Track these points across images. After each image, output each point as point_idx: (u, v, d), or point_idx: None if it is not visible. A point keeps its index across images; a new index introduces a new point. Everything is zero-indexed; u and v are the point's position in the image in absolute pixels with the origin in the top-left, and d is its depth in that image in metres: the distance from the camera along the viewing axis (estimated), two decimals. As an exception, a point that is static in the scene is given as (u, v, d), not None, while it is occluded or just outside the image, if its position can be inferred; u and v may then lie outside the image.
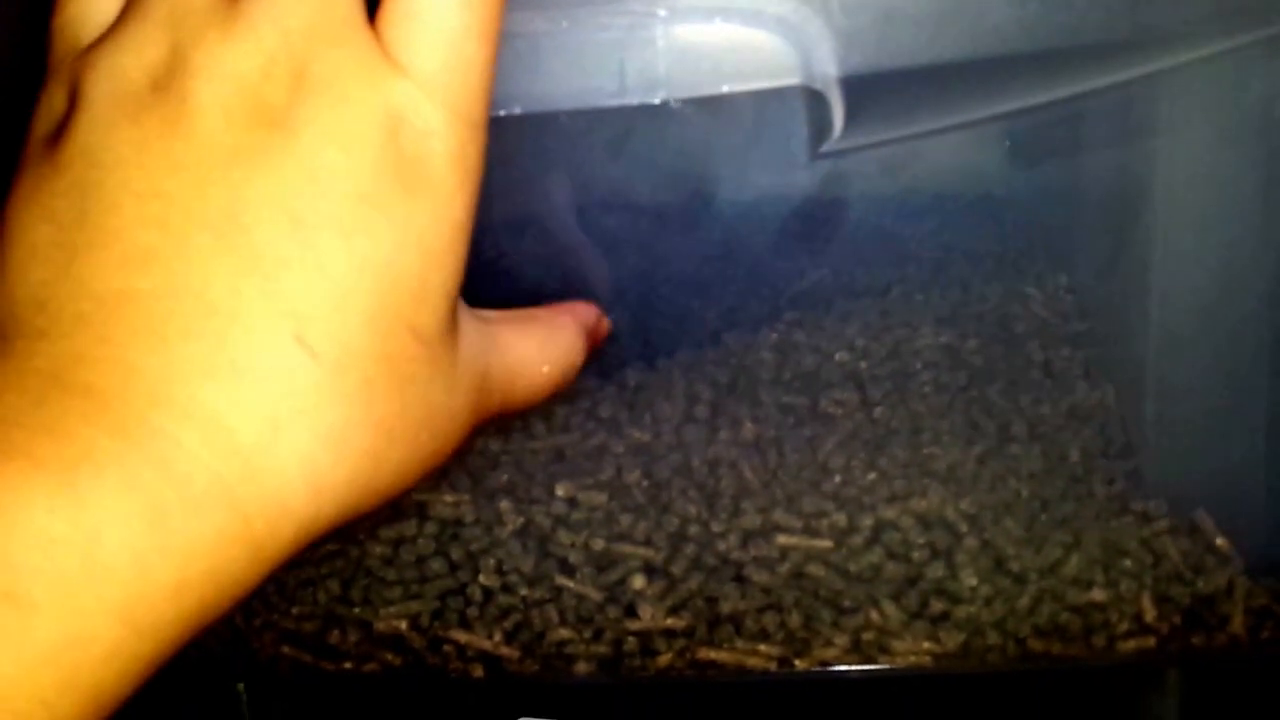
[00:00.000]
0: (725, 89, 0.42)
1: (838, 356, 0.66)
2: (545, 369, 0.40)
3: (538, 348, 0.40)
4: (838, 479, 0.58)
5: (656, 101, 0.42)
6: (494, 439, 0.62)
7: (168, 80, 0.32)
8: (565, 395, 0.64)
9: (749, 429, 0.61)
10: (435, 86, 0.32)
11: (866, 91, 0.44)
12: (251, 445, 0.30)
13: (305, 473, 0.31)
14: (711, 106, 0.45)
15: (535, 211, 0.61)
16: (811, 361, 0.65)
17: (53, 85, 0.35)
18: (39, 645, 0.27)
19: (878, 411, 0.62)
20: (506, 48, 0.40)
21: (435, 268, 0.33)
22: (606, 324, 0.46)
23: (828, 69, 0.42)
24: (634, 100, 0.42)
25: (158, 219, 0.31)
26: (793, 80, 0.42)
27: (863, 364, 0.65)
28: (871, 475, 0.58)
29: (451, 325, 0.34)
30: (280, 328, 0.31)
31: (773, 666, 0.55)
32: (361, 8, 0.33)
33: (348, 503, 0.32)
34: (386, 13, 0.33)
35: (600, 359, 0.65)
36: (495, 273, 0.62)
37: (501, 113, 0.42)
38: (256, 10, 0.32)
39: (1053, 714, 0.59)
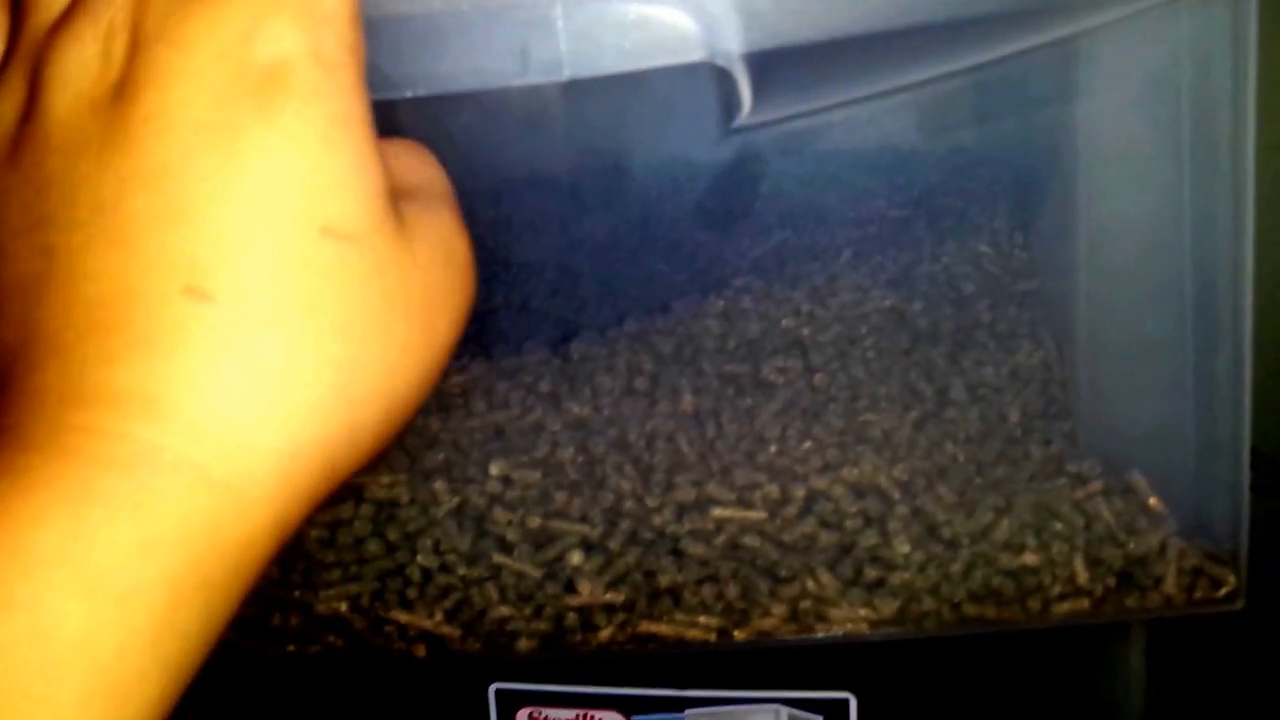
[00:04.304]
0: (628, 67, 0.42)
1: (784, 323, 0.65)
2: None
3: (438, 168, 0.38)
4: (773, 449, 0.58)
5: (561, 81, 0.42)
6: (434, 417, 0.62)
7: (30, 108, 0.32)
8: (508, 371, 0.65)
9: (688, 400, 0.61)
10: None
11: (774, 66, 0.43)
12: (177, 401, 0.30)
13: (251, 405, 0.30)
14: (631, 83, 0.44)
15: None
16: (756, 328, 0.65)
17: None
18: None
19: (818, 378, 0.62)
20: (405, 28, 0.39)
21: (327, 163, 0.31)
22: None
23: (731, 45, 0.42)
24: (536, 80, 0.41)
25: (42, 247, 0.31)
26: (696, 57, 0.42)
27: (806, 330, 0.65)
28: (807, 444, 0.58)
29: (386, 211, 0.33)
30: (164, 285, 0.30)
31: (712, 638, 0.55)
32: None
33: (332, 414, 0.31)
34: None
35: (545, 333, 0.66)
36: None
37: (408, 94, 0.41)
38: None
39: (1000, 675, 0.59)
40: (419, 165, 0.38)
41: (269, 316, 0.31)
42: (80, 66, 0.32)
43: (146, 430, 0.29)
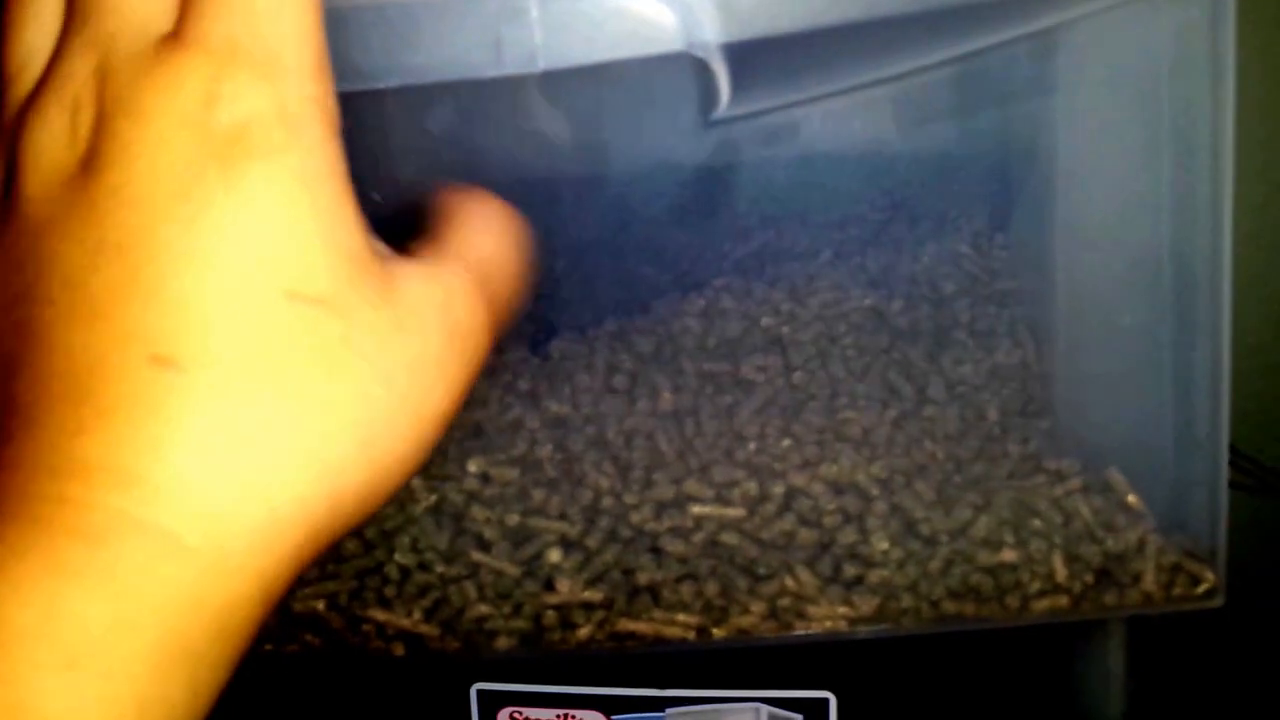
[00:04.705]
0: (603, 58, 0.41)
1: (763, 321, 0.65)
2: (510, 248, 0.37)
3: (491, 233, 0.37)
4: (752, 447, 0.58)
5: (536, 72, 0.41)
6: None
7: (7, 185, 0.32)
8: (486, 368, 0.64)
9: (667, 398, 0.61)
10: (230, 51, 0.31)
11: (752, 58, 0.43)
12: (147, 471, 0.29)
13: (225, 473, 0.30)
14: (608, 76, 0.44)
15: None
16: (736, 327, 0.65)
17: None
18: None
19: (797, 376, 0.62)
20: (377, 18, 0.39)
21: (289, 223, 0.31)
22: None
23: (709, 36, 0.42)
24: (510, 71, 0.41)
25: (18, 323, 0.31)
26: (674, 48, 0.42)
27: (786, 329, 0.65)
28: (786, 442, 0.58)
29: (360, 271, 0.32)
30: (131, 356, 0.30)
31: (691, 635, 0.55)
32: (162, 17, 0.32)
33: (313, 480, 0.31)
34: (183, 6, 0.32)
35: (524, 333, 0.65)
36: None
37: (380, 85, 0.41)
38: (61, 70, 0.32)
39: (979, 673, 0.59)
40: (471, 222, 0.37)
41: (237, 384, 0.30)
42: (49, 142, 0.31)
43: (118, 499, 0.29)
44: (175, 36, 0.31)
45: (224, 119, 0.31)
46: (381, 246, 0.34)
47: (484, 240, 0.37)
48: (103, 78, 0.31)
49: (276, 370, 0.30)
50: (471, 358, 0.34)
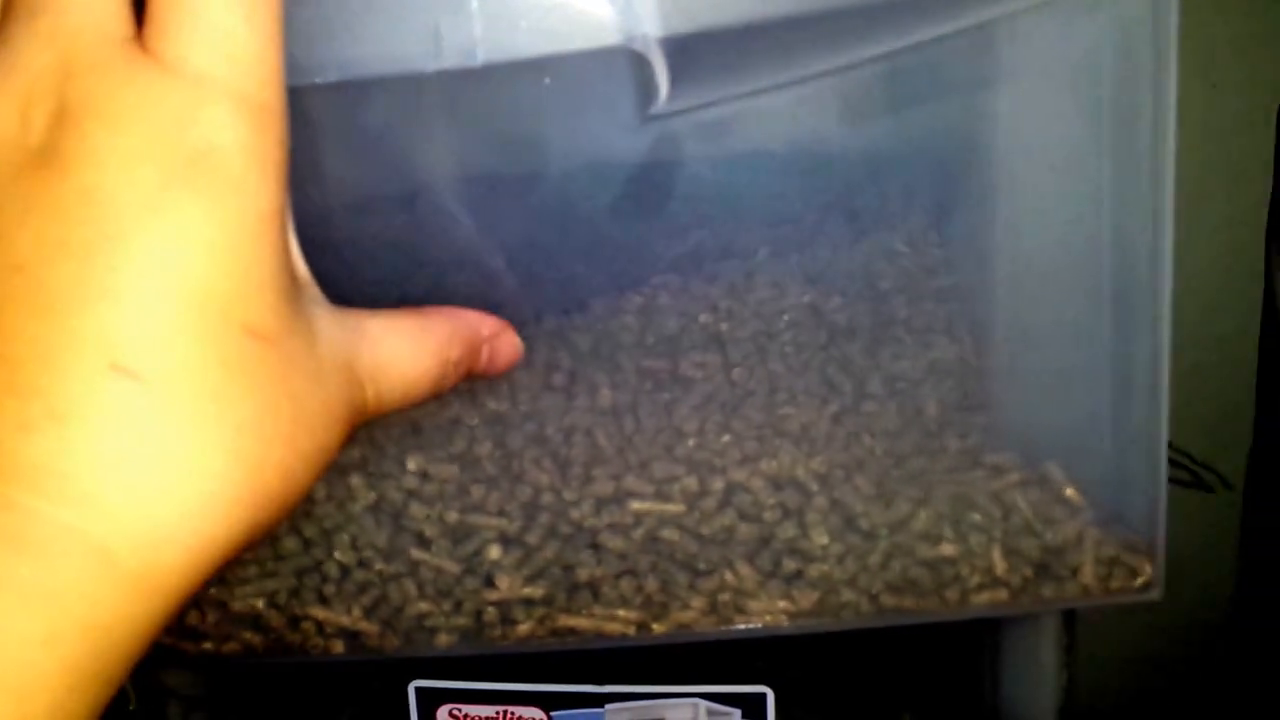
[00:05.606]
0: (543, 51, 0.41)
1: (701, 318, 0.65)
2: (417, 367, 0.39)
3: (409, 344, 0.38)
4: (691, 443, 0.58)
5: (476, 65, 0.41)
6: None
7: None
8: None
9: (606, 395, 0.60)
10: (212, 80, 0.31)
11: (692, 52, 0.43)
12: (95, 484, 0.29)
13: (169, 496, 0.30)
14: (546, 70, 0.44)
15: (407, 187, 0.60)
16: (674, 324, 0.65)
17: None
18: None
19: (736, 373, 0.62)
20: (315, 12, 0.39)
21: (253, 260, 0.31)
22: (511, 340, 0.44)
23: (648, 29, 0.42)
24: (450, 64, 0.41)
25: None
26: (612, 41, 0.42)
27: (724, 326, 0.65)
28: (725, 438, 0.58)
29: (297, 317, 0.33)
30: (92, 360, 0.30)
31: (631, 631, 0.55)
32: (123, 19, 0.32)
33: (242, 514, 0.31)
34: (151, 16, 0.32)
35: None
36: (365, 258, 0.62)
37: (317, 80, 0.41)
38: (8, 59, 0.31)
39: (916, 668, 0.60)
40: (401, 327, 0.38)
41: (190, 406, 0.30)
42: None
43: (63, 512, 0.29)
44: (149, 50, 0.31)
45: (197, 143, 0.31)
46: (304, 274, 0.36)
47: (399, 349, 0.38)
48: (65, 75, 0.31)
49: (225, 400, 0.31)
50: (359, 412, 0.36)
